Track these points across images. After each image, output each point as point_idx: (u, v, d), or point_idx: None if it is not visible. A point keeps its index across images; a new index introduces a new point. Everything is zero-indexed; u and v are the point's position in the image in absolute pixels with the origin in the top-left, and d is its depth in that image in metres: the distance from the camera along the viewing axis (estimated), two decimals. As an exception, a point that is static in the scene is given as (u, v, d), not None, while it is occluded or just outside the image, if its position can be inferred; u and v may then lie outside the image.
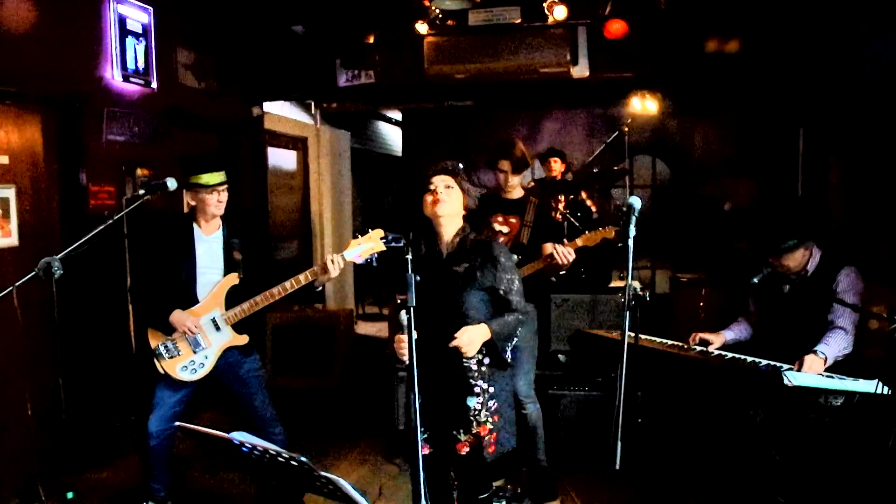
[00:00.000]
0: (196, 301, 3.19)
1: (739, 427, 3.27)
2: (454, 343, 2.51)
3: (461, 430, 2.61)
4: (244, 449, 1.80)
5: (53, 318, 3.73)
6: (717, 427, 3.56)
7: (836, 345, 2.98)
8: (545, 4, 4.97)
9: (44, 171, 3.97)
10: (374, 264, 3.03)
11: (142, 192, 3.26)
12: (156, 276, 3.23)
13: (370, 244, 2.98)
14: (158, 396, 3.21)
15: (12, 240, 3.75)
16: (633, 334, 2.39)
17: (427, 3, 5.06)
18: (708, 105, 6.74)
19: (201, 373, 3.19)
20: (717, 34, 5.07)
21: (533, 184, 6.14)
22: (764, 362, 3.04)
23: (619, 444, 2.30)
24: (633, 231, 2.35)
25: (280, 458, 1.75)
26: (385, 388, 4.36)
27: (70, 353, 3.98)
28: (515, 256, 3.28)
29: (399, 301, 2.59)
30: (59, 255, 2.75)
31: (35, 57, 3.77)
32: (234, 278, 3.21)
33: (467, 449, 2.61)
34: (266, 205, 6.18)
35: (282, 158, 6.84)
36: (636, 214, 2.38)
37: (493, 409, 2.64)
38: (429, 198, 2.65)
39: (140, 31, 4.45)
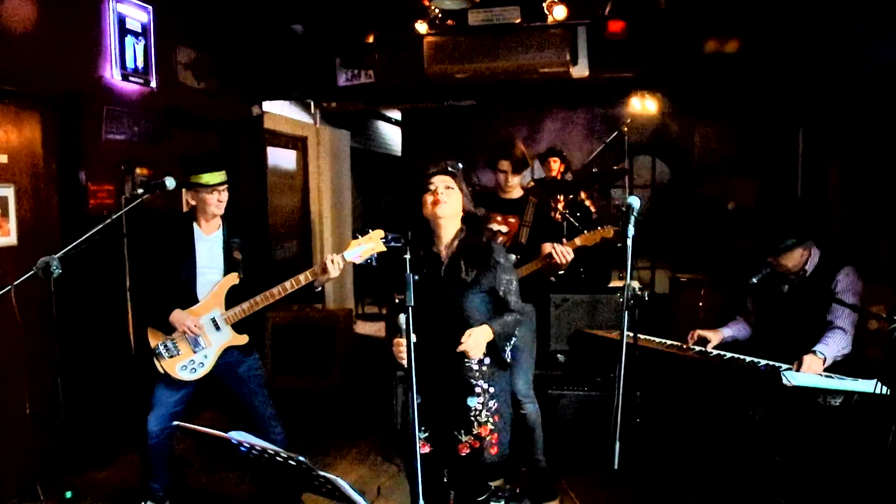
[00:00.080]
0: (196, 300, 3.19)
1: (738, 427, 3.26)
2: (462, 347, 2.51)
3: (462, 431, 2.61)
4: (242, 448, 1.81)
5: (52, 318, 3.73)
6: (716, 427, 3.55)
7: (835, 345, 2.98)
8: (545, 4, 4.96)
9: (43, 171, 3.97)
10: (374, 264, 3.03)
11: (140, 191, 3.27)
12: (156, 276, 3.23)
13: (370, 245, 2.98)
14: (158, 396, 3.21)
15: (11, 239, 3.75)
16: (631, 334, 2.40)
17: (427, 3, 5.06)
18: (708, 105, 6.74)
19: (201, 372, 3.19)
20: (717, 34, 5.07)
21: (532, 184, 6.14)
22: (763, 362, 3.04)
23: (618, 444, 2.30)
24: (631, 231, 2.35)
25: (279, 458, 1.76)
26: (384, 388, 4.36)
27: (69, 353, 3.98)
28: (514, 256, 3.28)
29: (397, 301, 2.59)
30: (58, 255, 2.75)
31: (34, 56, 3.76)
32: (234, 278, 3.21)
33: (468, 450, 2.61)
34: (266, 204, 6.18)
35: (281, 158, 6.84)
36: (635, 214, 2.38)
37: (493, 409, 2.65)
38: (429, 198, 2.65)
39: (139, 30, 4.45)
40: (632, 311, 2.37)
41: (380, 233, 3.00)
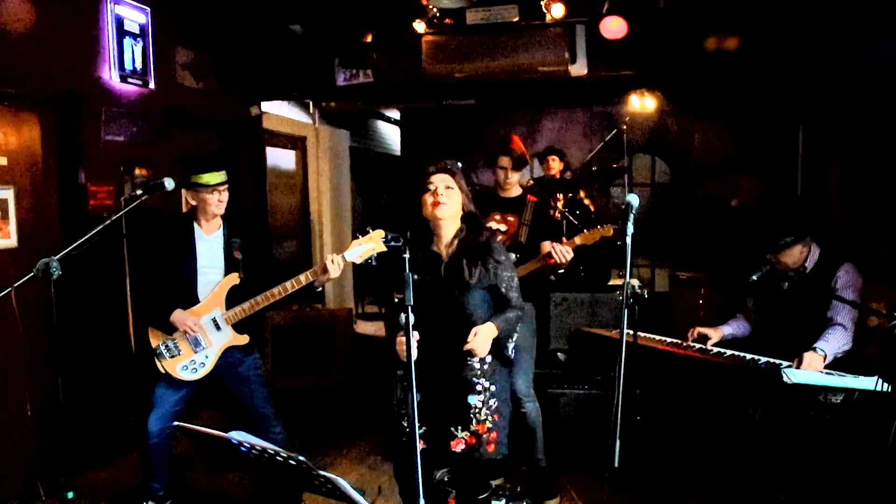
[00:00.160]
0: (197, 300, 3.20)
1: (739, 425, 3.27)
2: (469, 346, 2.52)
3: (459, 427, 2.61)
4: (242, 448, 1.81)
5: (52, 319, 3.73)
6: (716, 425, 3.56)
7: (835, 342, 2.98)
8: (543, 3, 4.96)
9: (42, 172, 3.97)
10: (374, 263, 3.03)
11: (140, 192, 3.27)
12: (156, 276, 3.23)
13: (370, 245, 2.98)
14: (158, 395, 3.21)
15: (11, 241, 3.76)
16: (631, 332, 2.40)
17: (425, 2, 5.06)
18: (707, 103, 6.73)
19: (202, 372, 3.19)
20: (716, 32, 5.06)
21: (532, 182, 6.15)
22: (763, 360, 3.04)
23: (618, 442, 2.30)
24: (630, 229, 2.35)
25: (279, 458, 1.76)
26: (384, 387, 4.36)
27: (69, 354, 3.98)
28: (513, 255, 3.29)
29: (397, 300, 2.60)
30: (58, 256, 2.75)
31: (33, 58, 3.76)
32: (234, 278, 3.21)
33: (462, 446, 2.61)
34: (265, 204, 6.18)
35: (281, 158, 6.84)
36: (634, 212, 2.38)
37: (493, 407, 2.65)
38: (428, 199, 2.65)
39: (137, 31, 4.45)
40: (631, 309, 2.37)
41: (380, 233, 3.00)
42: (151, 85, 4.58)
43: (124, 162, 4.37)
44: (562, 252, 3.27)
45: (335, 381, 5.39)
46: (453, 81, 5.50)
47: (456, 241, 2.70)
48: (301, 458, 1.71)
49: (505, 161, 3.51)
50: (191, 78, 5.08)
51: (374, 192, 9.94)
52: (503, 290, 2.69)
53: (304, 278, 3.07)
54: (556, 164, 6.00)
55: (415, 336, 2.44)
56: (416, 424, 2.11)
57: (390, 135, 10.37)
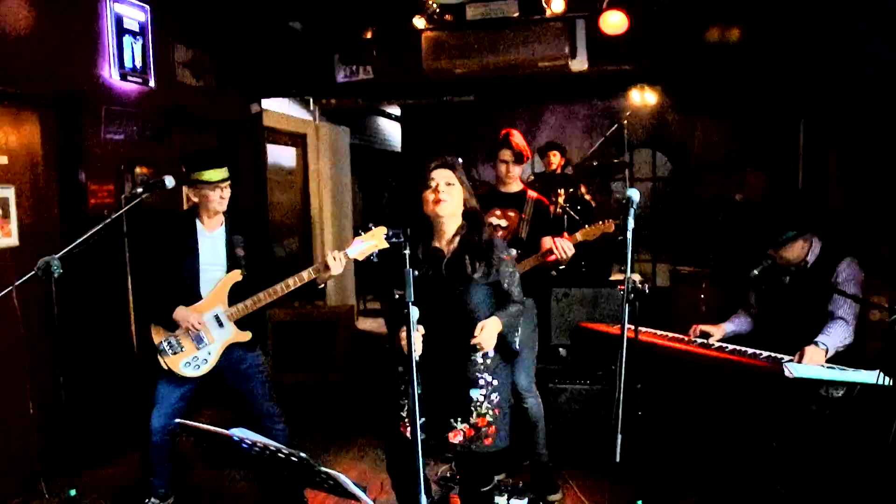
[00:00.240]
0: (199, 297, 3.20)
1: (740, 419, 3.27)
2: (475, 341, 2.54)
3: (459, 419, 2.62)
4: (244, 445, 1.81)
5: (53, 318, 3.74)
6: (717, 419, 3.56)
7: (836, 336, 2.97)
8: (543, -2, 4.96)
9: (43, 171, 3.97)
10: (375, 260, 3.02)
11: (140, 190, 3.26)
12: (159, 273, 3.23)
13: (372, 242, 2.97)
14: (161, 392, 3.22)
15: (12, 240, 3.76)
16: (632, 327, 2.40)
17: (425, -2, 5.06)
18: (708, 98, 6.72)
19: (204, 369, 3.20)
20: (717, 27, 5.05)
21: (532, 178, 6.14)
22: (765, 354, 3.04)
23: (620, 437, 2.31)
24: (631, 224, 2.35)
25: (280, 455, 1.76)
26: (386, 384, 4.36)
27: (70, 352, 3.98)
28: (514, 251, 3.28)
29: (397, 296, 2.60)
30: (59, 255, 2.75)
31: (32, 57, 3.76)
32: (237, 275, 3.21)
33: (460, 437, 2.62)
34: (266, 202, 6.18)
35: (281, 155, 6.84)
36: (634, 207, 2.38)
37: (494, 402, 2.67)
38: (430, 196, 2.65)
39: (137, 29, 4.44)
40: (632, 304, 2.37)
41: (382, 230, 2.99)
42: (151, 83, 4.58)
43: (125, 160, 4.37)
44: (563, 247, 3.26)
45: (337, 377, 5.40)
46: (453, 77, 5.49)
47: (457, 238, 2.70)
48: (303, 454, 1.71)
49: (506, 154, 3.51)
50: (191, 76, 5.07)
51: (375, 188, 9.93)
52: (505, 285, 2.71)
53: (306, 275, 3.07)
54: (556, 160, 6.00)
55: (420, 331, 2.44)
56: (418, 420, 2.11)
57: (391, 131, 10.37)
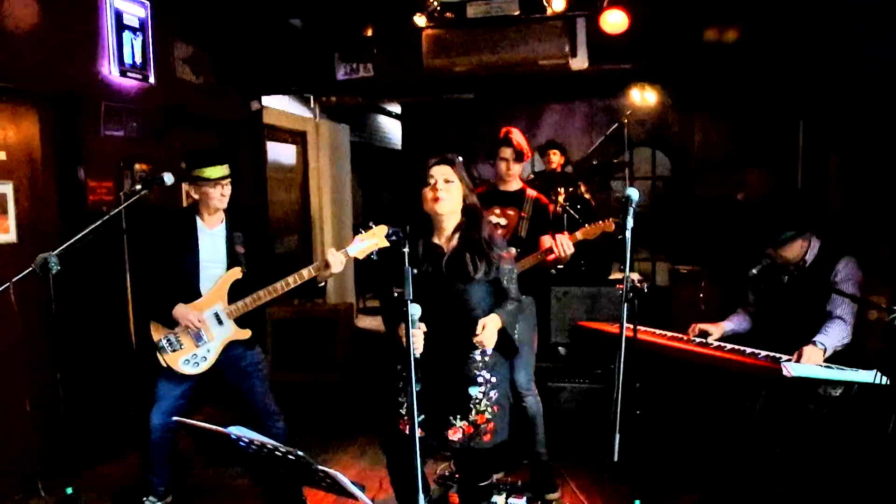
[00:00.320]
0: (199, 295, 3.19)
1: (738, 418, 3.27)
2: (478, 339, 2.54)
3: (458, 416, 2.63)
4: (241, 443, 1.81)
5: (52, 315, 3.74)
6: (716, 418, 3.56)
7: (835, 335, 2.97)
8: (543, -4, 4.95)
9: (41, 167, 3.97)
10: (375, 258, 3.02)
11: (138, 187, 3.26)
12: (158, 270, 3.23)
13: (373, 240, 2.97)
14: (160, 390, 3.22)
15: (10, 236, 3.76)
16: (631, 326, 2.40)
17: (425, -4, 5.05)
18: (708, 97, 6.72)
19: (203, 366, 3.20)
20: (717, 26, 5.05)
21: (532, 176, 6.14)
22: (763, 353, 3.04)
23: (618, 435, 2.31)
24: (630, 223, 2.35)
25: (278, 453, 1.76)
26: (384, 381, 4.36)
27: (68, 349, 3.98)
28: (513, 249, 3.28)
29: (396, 294, 2.60)
30: (56, 251, 2.74)
31: (31, 53, 3.76)
32: (237, 272, 3.21)
33: (459, 434, 2.62)
34: (265, 199, 6.18)
35: (281, 153, 6.83)
36: (634, 206, 2.38)
37: (493, 398, 2.67)
38: (428, 193, 2.65)
39: (137, 25, 4.44)
40: (631, 303, 2.37)
41: (383, 228, 2.98)
42: (151, 79, 4.57)
43: (124, 157, 4.36)
44: (563, 245, 3.26)
45: (336, 375, 5.40)
46: (454, 75, 5.48)
47: (457, 235, 2.70)
48: (300, 452, 1.71)
49: (507, 152, 3.51)
50: (190, 73, 5.07)
51: (375, 186, 9.93)
52: (504, 283, 2.72)
53: (306, 273, 3.07)
54: (556, 158, 6.00)
55: (421, 328, 2.44)
56: (416, 418, 2.11)
57: (391, 129, 10.36)
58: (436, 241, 2.72)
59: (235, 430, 1.81)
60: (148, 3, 4.52)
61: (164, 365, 3.18)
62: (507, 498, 3.43)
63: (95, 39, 4.18)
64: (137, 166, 4.44)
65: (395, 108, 9.48)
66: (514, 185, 3.58)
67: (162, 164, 4.26)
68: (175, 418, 2.40)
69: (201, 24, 5.17)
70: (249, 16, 5.55)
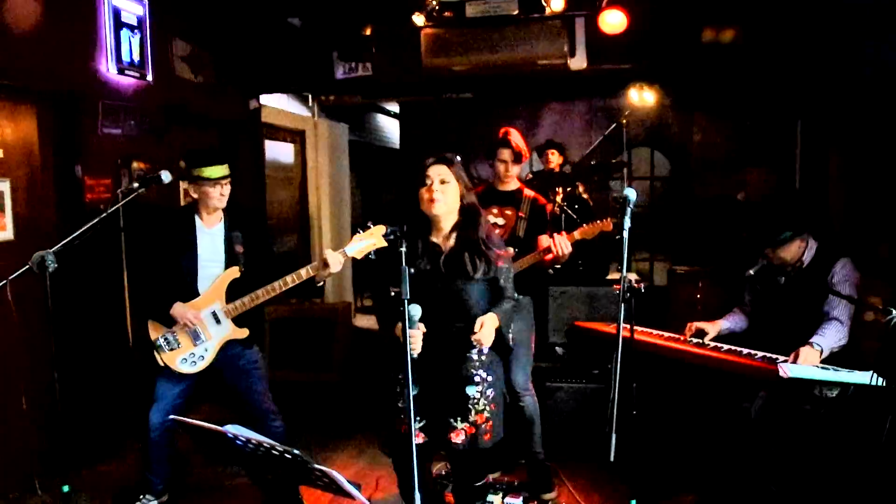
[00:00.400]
0: (197, 294, 3.19)
1: (734, 418, 3.27)
2: (476, 337, 2.55)
3: (458, 418, 2.63)
4: (238, 442, 1.81)
5: (48, 313, 3.74)
6: (712, 418, 3.56)
7: (831, 336, 2.98)
8: (542, -4, 4.95)
9: (39, 165, 3.96)
10: (373, 257, 3.02)
11: (136, 185, 3.26)
12: (157, 269, 3.23)
13: (372, 240, 2.97)
14: (159, 389, 3.22)
15: (8, 233, 3.75)
16: (628, 326, 2.40)
17: (424, -5, 5.05)
18: (706, 97, 6.73)
19: (201, 365, 3.20)
20: (716, 26, 5.05)
21: (531, 176, 6.14)
22: (760, 354, 3.05)
23: (615, 435, 2.31)
24: (628, 223, 2.35)
25: (274, 452, 1.76)
26: (382, 382, 4.36)
27: (66, 348, 3.97)
28: (511, 249, 3.28)
29: (393, 293, 2.60)
30: (53, 249, 2.74)
31: (30, 51, 3.75)
32: (235, 271, 3.21)
33: (462, 437, 2.63)
34: (264, 198, 6.18)
35: (279, 151, 6.83)
36: (632, 206, 2.38)
37: (490, 397, 2.69)
38: (425, 194, 2.65)
39: (135, 23, 4.43)
40: (628, 303, 2.37)
41: (381, 228, 2.98)
42: (149, 77, 4.56)
43: (122, 155, 4.35)
44: (561, 244, 3.27)
45: (334, 375, 5.40)
46: (452, 75, 5.48)
47: (455, 234, 2.71)
48: (296, 451, 1.72)
49: (506, 154, 3.51)
50: (189, 71, 5.06)
51: (374, 185, 9.93)
52: (501, 282, 2.73)
53: (304, 273, 3.07)
54: (555, 158, 6.00)
55: (421, 329, 2.44)
56: (413, 418, 2.11)
57: (390, 128, 10.36)
58: (434, 239, 2.73)
59: (233, 429, 1.81)
60: (146, 1, 4.51)
61: (162, 364, 3.18)
62: (503, 497, 3.43)
63: (93, 37, 4.17)
64: (135, 164, 4.43)
65: (394, 108, 9.48)
66: (512, 185, 3.59)
67: (161, 163, 4.25)
68: (173, 416, 2.40)
69: (200, 22, 5.17)
70: (248, 14, 5.55)
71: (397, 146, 9.61)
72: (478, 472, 2.82)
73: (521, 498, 3.45)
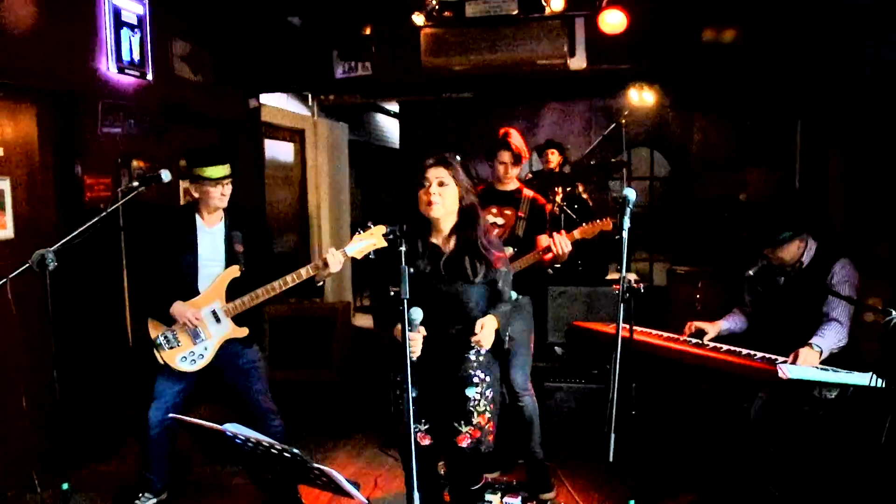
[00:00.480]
0: (197, 293, 3.20)
1: (734, 419, 3.27)
2: (476, 339, 2.55)
3: (462, 422, 2.64)
4: (237, 441, 1.81)
5: (48, 311, 3.74)
6: (712, 419, 3.57)
7: (831, 337, 2.98)
8: (542, -4, 4.95)
9: (39, 164, 3.96)
10: (372, 257, 3.02)
11: (136, 184, 3.26)
12: (157, 268, 3.23)
13: (372, 240, 2.97)
14: (159, 387, 3.23)
15: (8, 232, 3.75)
16: (627, 326, 2.40)
17: (424, -5, 5.05)
18: (706, 97, 6.72)
19: (200, 364, 3.20)
20: (716, 26, 5.05)
21: (530, 176, 6.14)
22: (759, 355, 3.04)
23: (613, 436, 2.31)
24: (627, 223, 2.35)
25: (273, 450, 1.76)
26: (382, 382, 4.36)
27: (65, 346, 3.97)
28: (511, 249, 3.29)
29: (392, 293, 2.60)
30: (53, 248, 2.74)
31: (29, 49, 3.75)
32: (235, 270, 3.21)
33: (468, 440, 2.64)
34: (263, 198, 6.17)
35: (279, 151, 6.82)
36: (631, 206, 2.38)
37: (489, 397, 2.69)
38: (423, 197, 2.65)
39: (135, 22, 4.43)
40: (627, 303, 2.37)
41: (381, 228, 2.98)
42: (149, 77, 4.56)
43: (122, 154, 4.36)
44: (561, 244, 3.26)
45: (333, 374, 5.40)
46: (452, 75, 5.49)
47: (454, 236, 2.70)
48: (295, 450, 1.72)
49: (505, 156, 3.51)
50: (188, 70, 5.06)
51: (374, 185, 9.93)
52: (500, 284, 2.72)
53: (304, 272, 3.07)
54: (554, 158, 5.99)
55: (421, 332, 2.44)
56: (412, 420, 2.11)
57: (389, 128, 10.35)
58: (434, 241, 2.72)
59: (232, 428, 1.81)
60: (146, 0, 4.51)
61: (161, 362, 3.19)
62: (502, 497, 3.43)
63: (93, 36, 4.17)
64: (135, 163, 4.43)
65: (394, 107, 9.48)
66: (512, 184, 3.59)
67: (161, 162, 4.25)
68: (172, 415, 2.40)
69: (200, 21, 5.17)
70: (248, 14, 5.55)
71: (397, 146, 9.60)
72: (474, 475, 2.83)
73: (519, 498, 3.45)
